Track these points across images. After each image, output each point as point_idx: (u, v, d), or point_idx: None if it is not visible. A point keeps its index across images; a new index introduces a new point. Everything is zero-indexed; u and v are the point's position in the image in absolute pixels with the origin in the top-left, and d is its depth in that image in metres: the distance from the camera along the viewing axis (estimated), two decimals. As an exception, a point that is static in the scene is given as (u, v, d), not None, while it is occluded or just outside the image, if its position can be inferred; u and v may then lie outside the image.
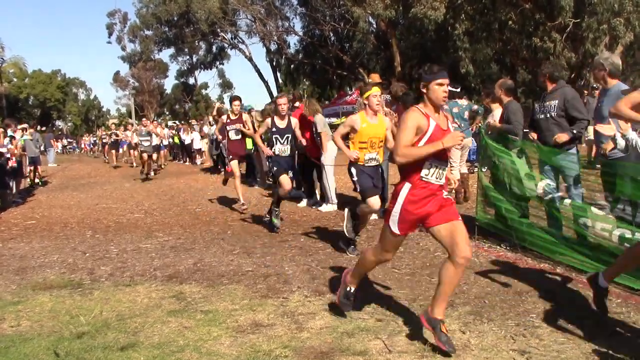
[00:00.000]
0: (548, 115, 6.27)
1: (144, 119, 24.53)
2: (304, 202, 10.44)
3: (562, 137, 6.08)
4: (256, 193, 12.63)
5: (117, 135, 26.51)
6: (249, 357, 3.72)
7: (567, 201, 5.76)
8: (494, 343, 3.83)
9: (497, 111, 8.20)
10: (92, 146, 46.07)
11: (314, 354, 3.74)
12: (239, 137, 10.25)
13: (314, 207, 10.08)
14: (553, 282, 5.15)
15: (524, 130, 7.12)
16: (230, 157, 10.19)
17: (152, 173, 18.75)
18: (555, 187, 5.98)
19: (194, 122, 27.88)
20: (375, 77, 9.33)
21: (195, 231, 8.56)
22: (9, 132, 12.70)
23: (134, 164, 23.24)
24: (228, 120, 10.20)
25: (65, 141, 55.56)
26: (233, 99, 10.42)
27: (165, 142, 24.89)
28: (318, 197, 10.50)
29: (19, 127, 14.63)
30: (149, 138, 18.47)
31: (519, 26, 21.97)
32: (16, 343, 4.10)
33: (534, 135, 6.51)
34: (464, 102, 10.14)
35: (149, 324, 4.46)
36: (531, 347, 3.74)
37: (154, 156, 19.47)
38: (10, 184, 12.11)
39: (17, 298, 5.30)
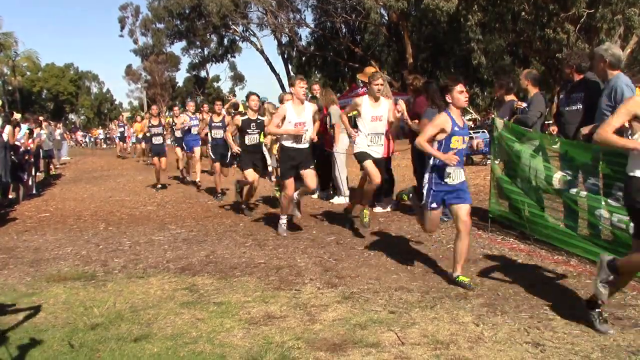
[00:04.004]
0: (574, 108, 6.19)
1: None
2: (315, 194, 10.42)
3: (587, 129, 5.99)
4: (268, 186, 12.62)
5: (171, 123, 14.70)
6: (261, 349, 3.73)
7: (584, 193, 5.70)
8: (507, 335, 3.80)
9: (508, 103, 8.08)
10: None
11: (326, 346, 3.74)
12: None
13: (325, 199, 10.05)
14: (567, 274, 5.11)
15: (547, 122, 7.00)
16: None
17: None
18: (572, 179, 5.90)
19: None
20: (369, 70, 9.35)
21: (207, 223, 8.58)
22: (27, 126, 12.74)
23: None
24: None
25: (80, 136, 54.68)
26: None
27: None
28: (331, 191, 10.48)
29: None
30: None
31: (532, 17, 21.74)
32: (31, 334, 4.14)
33: (554, 129, 6.41)
34: None
35: (162, 316, 4.48)
36: (545, 339, 3.72)
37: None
38: (25, 176, 12.18)
39: (31, 289, 5.36)
